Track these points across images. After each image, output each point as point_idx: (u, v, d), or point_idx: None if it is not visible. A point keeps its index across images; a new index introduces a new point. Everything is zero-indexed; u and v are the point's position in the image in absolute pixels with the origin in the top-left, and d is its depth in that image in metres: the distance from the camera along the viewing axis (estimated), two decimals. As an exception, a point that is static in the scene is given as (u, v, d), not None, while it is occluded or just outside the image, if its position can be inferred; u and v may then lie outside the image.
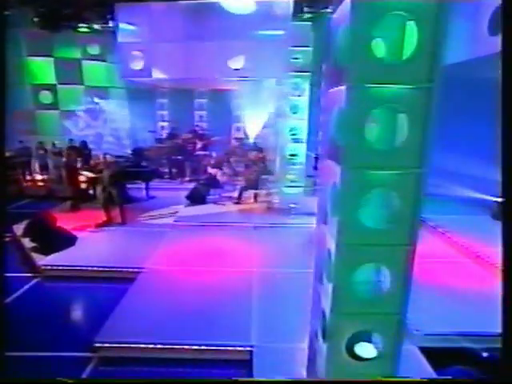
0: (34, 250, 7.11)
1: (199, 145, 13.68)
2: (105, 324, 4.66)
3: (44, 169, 13.06)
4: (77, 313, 5.55)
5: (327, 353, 2.81)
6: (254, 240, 7.58)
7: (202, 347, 4.35)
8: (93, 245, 7.32)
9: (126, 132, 15.91)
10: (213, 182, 11.28)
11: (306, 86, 8.65)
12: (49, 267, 6.46)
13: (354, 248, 2.61)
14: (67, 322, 5.10)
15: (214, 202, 10.14)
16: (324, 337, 2.92)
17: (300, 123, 8.84)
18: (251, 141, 13.79)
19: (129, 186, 10.23)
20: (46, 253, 6.89)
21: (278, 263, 6.43)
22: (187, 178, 12.90)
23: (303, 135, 8.94)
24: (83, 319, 5.40)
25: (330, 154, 2.87)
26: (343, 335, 2.72)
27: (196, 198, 10.12)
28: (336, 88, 2.72)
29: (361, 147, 2.48)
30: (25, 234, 7.47)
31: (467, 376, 2.53)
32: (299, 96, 8.57)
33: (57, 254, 6.88)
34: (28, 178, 12.71)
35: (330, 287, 2.78)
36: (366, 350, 3.11)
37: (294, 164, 9.07)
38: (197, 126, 15.60)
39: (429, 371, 3.82)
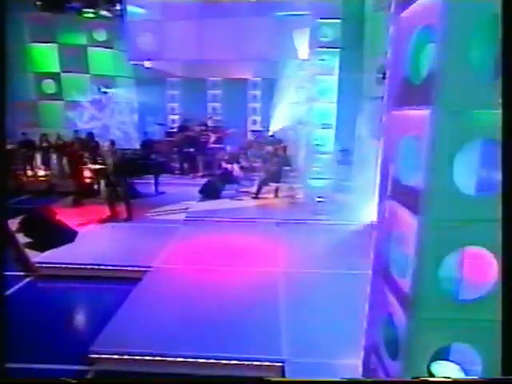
0: (29, 245, 6.58)
1: (213, 138, 13.16)
2: (103, 331, 4.01)
3: (47, 162, 12.81)
4: (73, 317, 4.94)
5: (401, 375, 2.08)
6: (277, 238, 6.96)
7: (221, 362, 3.67)
8: (94, 241, 6.84)
9: (134, 124, 15.43)
10: (228, 177, 10.75)
11: (336, 63, 7.92)
12: (44, 265, 5.92)
13: (447, 226, 1.90)
14: (60, 329, 4.48)
15: (231, 197, 9.50)
16: (394, 353, 2.19)
17: (328, 107, 8.10)
18: (270, 132, 13.29)
19: (136, 180, 9.83)
20: (42, 249, 6.37)
21: (307, 264, 5.76)
22: (200, 173, 12.42)
23: (332, 120, 8.22)
24: (80, 325, 4.79)
25: (396, 196, 2.28)
26: (427, 350, 1.99)
27: (210, 193, 9.55)
28: (408, 109, 2.17)
29: (451, 194, 1.88)
30: (20, 229, 6.95)
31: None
32: (327, 75, 7.83)
33: (54, 250, 6.34)
34: (30, 172, 12.51)
35: (406, 284, 2.06)
36: (447, 370, 2.38)
37: (321, 153, 8.32)
38: (210, 117, 14.99)
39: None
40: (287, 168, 9.31)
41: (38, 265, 5.96)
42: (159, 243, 6.59)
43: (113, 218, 7.83)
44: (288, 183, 9.41)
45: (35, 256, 6.18)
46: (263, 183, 9.49)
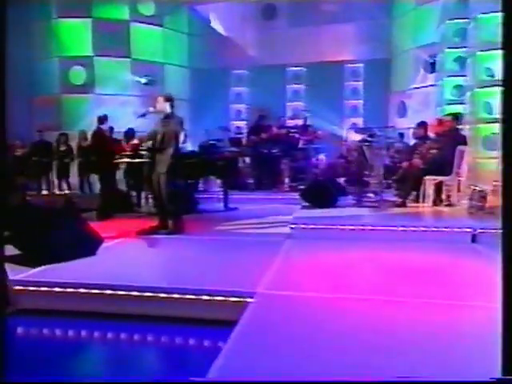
0: (14, 259, 4.30)
1: (301, 141, 11.86)
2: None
3: (64, 171, 11.71)
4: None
5: None
6: (475, 258, 4.60)
7: None
8: (129, 255, 5.09)
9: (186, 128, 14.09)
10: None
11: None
12: (30, 287, 3.68)
13: None
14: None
15: (358, 204, 7.71)
16: None
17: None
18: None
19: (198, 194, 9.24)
20: (34, 261, 4.14)
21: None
22: (286, 186, 10.98)
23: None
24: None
25: None
26: None
27: (318, 197, 7.64)
28: None
29: None
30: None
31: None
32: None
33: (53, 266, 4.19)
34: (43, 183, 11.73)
35: None
36: None
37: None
38: (283, 117, 13.53)
39: None
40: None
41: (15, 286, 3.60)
42: (250, 261, 4.67)
43: (159, 228, 6.33)
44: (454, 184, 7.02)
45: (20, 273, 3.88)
46: (409, 187, 7.36)
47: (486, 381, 1.88)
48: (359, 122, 14.18)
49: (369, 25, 13.12)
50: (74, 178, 11.56)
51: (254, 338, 2.75)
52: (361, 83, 14.34)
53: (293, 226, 5.97)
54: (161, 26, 13.83)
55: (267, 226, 6.93)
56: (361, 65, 14.18)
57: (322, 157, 12.17)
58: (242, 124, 15.26)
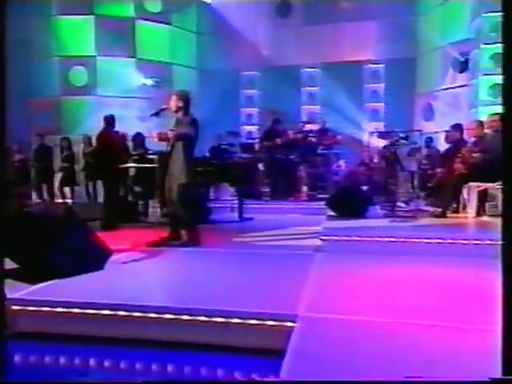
0: (12, 274, 3.94)
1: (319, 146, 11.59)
2: None
3: (66, 179, 11.44)
4: None
5: None
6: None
7: None
8: (142, 270, 4.72)
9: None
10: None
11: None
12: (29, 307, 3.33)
13: None
14: None
15: (390, 215, 7.25)
16: None
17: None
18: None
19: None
20: (34, 277, 3.79)
21: None
22: (304, 195, 10.66)
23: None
24: None
25: None
26: None
27: (346, 206, 7.29)
28: None
29: None
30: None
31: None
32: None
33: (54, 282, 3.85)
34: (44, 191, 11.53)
35: None
36: None
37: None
38: (311, 117, 13.65)
39: None
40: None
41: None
42: (279, 278, 4.33)
43: (171, 240, 6.10)
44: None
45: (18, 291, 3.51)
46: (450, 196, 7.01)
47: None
48: (380, 126, 13.98)
49: (391, 22, 12.88)
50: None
51: (308, 369, 2.36)
52: (382, 85, 14.11)
53: (324, 237, 5.60)
54: (168, 23, 13.77)
55: (290, 237, 6.64)
56: (381, 65, 13.97)
57: (342, 163, 11.98)
58: (254, 129, 15.10)
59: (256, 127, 15.07)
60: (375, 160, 11.57)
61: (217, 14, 14.48)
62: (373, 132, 12.83)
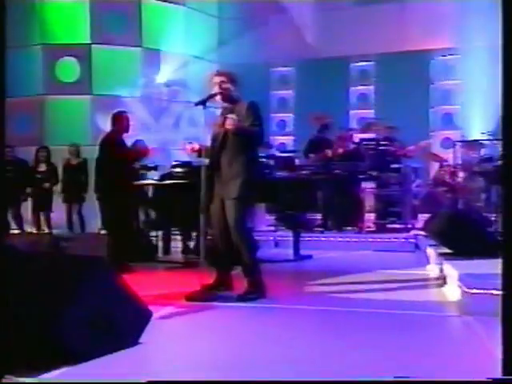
0: None
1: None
2: None
3: (43, 201, 11.07)
4: None
5: None
6: None
7: None
8: (197, 340, 4.06)
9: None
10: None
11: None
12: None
13: None
14: None
15: None
16: None
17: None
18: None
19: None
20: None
21: None
22: (372, 224, 10.62)
23: None
24: None
25: None
26: None
27: (467, 239, 6.68)
28: None
29: None
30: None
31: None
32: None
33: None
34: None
35: None
36: None
37: None
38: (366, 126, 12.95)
39: None
40: None
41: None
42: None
43: (220, 286, 5.89)
44: None
45: None
46: None
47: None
48: (455, 134, 13.38)
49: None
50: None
51: None
52: (457, 82, 13.30)
53: (468, 290, 4.52)
54: (182, 4, 13.38)
55: (388, 286, 6.08)
56: (458, 56, 13.06)
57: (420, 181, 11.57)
58: (289, 139, 14.95)
59: (291, 137, 14.84)
60: (459, 178, 11.18)
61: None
62: (457, 141, 12.23)
